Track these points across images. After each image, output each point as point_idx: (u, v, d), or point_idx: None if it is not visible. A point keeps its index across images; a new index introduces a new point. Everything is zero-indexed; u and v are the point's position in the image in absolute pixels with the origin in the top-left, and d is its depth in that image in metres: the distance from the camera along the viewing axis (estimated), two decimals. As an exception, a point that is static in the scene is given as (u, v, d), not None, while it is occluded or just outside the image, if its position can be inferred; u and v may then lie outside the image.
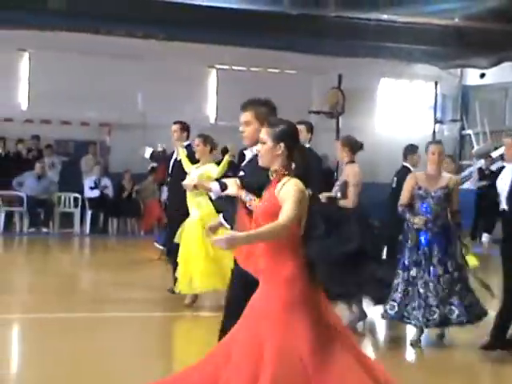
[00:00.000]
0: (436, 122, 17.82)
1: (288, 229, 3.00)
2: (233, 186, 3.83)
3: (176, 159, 7.58)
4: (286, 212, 3.00)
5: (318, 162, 7.15)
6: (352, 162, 6.44)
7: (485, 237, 5.91)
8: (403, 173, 7.73)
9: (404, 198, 5.85)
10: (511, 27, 13.67)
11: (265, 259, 3.09)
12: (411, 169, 7.68)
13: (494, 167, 15.35)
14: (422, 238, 5.77)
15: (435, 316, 5.73)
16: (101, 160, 14.34)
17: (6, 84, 14.42)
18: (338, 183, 6.55)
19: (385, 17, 13.57)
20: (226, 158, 7.05)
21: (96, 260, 11.76)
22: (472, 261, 6.19)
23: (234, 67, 16.29)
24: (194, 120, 12.62)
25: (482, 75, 17.48)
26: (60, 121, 14.74)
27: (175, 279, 7.15)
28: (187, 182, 5.62)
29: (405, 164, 8.22)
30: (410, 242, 5.84)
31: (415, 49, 15.62)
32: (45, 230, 13.19)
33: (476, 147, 17.77)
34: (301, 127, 6.12)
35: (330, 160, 13.09)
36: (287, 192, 3.07)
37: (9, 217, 13.38)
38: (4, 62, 14.13)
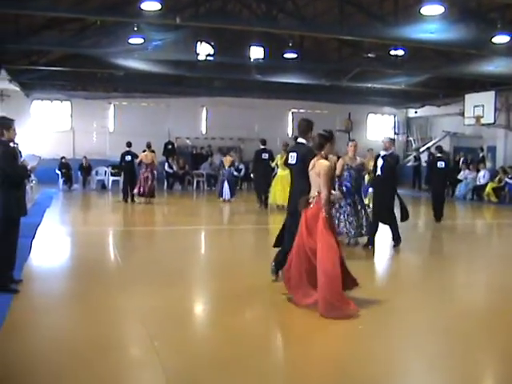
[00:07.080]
0: (395, 134, 23.86)
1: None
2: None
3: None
4: None
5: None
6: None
7: None
8: None
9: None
10: (423, 90, 19.01)
11: None
12: None
13: (421, 156, 21.64)
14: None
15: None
16: (240, 156, 19.64)
17: (196, 121, 22.64)
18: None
19: (369, 85, 19.17)
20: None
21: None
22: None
23: (300, 110, 22.93)
24: (281, 135, 21.14)
25: (416, 112, 23.74)
26: (219, 137, 22.26)
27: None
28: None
29: None
30: None
31: (384, 99, 22.23)
32: (213, 188, 19.36)
33: (414, 146, 23.75)
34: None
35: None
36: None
37: (198, 183, 20.81)
38: (194, 111, 22.46)
